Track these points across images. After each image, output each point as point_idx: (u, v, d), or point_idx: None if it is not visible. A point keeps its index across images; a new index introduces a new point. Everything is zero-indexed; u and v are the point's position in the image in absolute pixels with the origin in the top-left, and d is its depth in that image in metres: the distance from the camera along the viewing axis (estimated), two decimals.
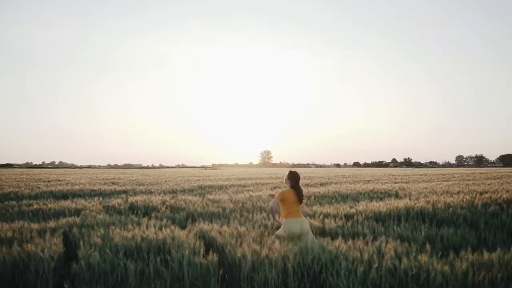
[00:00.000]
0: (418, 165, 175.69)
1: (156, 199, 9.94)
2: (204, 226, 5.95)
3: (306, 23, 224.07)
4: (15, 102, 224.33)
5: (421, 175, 32.22)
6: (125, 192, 13.60)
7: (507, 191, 10.33)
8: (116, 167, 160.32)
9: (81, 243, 4.60)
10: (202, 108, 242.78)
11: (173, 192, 13.60)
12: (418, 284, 3.57)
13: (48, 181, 20.52)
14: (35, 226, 5.95)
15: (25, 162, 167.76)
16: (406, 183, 18.96)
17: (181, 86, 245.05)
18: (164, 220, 6.63)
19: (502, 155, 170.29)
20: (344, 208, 8.08)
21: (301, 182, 5.36)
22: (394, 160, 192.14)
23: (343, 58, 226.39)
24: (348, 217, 7.10)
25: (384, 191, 12.70)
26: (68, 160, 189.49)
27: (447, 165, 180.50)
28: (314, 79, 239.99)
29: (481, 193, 10.28)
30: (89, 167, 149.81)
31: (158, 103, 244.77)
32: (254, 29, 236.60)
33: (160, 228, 5.54)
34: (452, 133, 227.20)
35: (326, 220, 6.58)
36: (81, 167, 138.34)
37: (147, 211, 8.37)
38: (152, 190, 14.15)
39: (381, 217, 7.20)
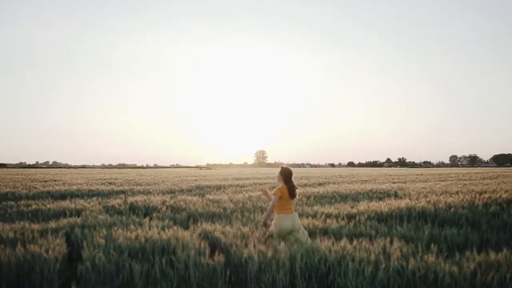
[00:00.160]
0: (413, 165, 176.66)
1: (155, 199, 9.89)
2: (207, 226, 5.92)
3: (304, 23, 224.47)
4: (8, 102, 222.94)
5: (418, 175, 32.32)
6: (123, 192, 13.50)
7: (506, 191, 10.38)
8: (110, 167, 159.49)
9: (85, 243, 4.56)
10: (197, 108, 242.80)
11: (172, 192, 13.52)
12: (426, 284, 3.56)
13: (45, 181, 20.36)
14: (36, 226, 5.90)
15: (18, 162, 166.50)
16: (404, 183, 18.99)
17: (175, 86, 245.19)
18: (166, 221, 6.59)
19: (496, 155, 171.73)
20: (345, 208, 8.09)
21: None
22: (388, 160, 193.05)
23: (337, 59, 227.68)
24: (350, 217, 7.11)
25: (383, 191, 12.71)
26: (62, 160, 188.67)
27: (441, 165, 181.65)
28: (308, 80, 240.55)
29: (480, 193, 10.32)
30: (83, 167, 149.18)
31: (153, 103, 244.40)
32: (253, 29, 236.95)
33: (163, 229, 5.50)
34: (446, 133, 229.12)
35: (328, 220, 6.58)
36: (75, 167, 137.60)
37: (148, 211, 8.31)
38: (151, 190, 14.07)
39: (383, 217, 7.21)
